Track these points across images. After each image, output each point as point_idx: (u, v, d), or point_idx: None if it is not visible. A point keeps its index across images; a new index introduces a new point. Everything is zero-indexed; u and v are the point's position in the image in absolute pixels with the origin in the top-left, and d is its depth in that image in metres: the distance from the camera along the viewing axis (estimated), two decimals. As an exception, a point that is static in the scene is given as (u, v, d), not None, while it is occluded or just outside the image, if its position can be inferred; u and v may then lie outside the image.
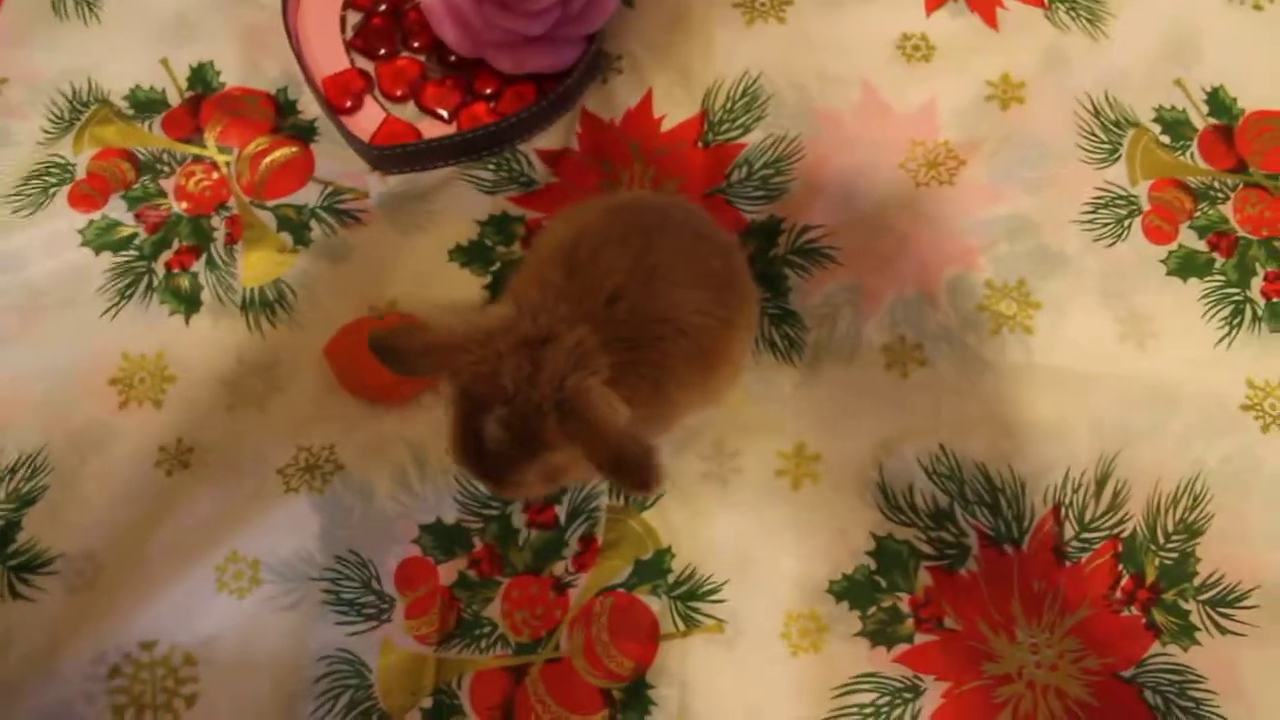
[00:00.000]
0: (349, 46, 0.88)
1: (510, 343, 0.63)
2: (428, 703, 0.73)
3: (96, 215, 0.84)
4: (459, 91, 0.86)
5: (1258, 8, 0.88)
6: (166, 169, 0.85)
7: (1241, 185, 0.82)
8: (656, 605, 0.74)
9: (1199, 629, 0.72)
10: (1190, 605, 0.73)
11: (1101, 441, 0.76)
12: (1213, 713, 0.70)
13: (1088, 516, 0.75)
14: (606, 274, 0.66)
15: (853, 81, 0.85)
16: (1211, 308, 0.79)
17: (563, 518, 0.77)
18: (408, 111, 0.87)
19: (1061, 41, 0.86)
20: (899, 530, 0.75)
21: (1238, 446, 0.75)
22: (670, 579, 0.75)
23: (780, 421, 0.78)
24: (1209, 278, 0.79)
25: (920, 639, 0.73)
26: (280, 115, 0.87)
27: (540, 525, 0.77)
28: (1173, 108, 0.84)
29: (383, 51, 0.87)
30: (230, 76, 0.87)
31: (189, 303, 0.82)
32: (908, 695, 0.72)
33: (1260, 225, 0.81)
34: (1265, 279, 0.80)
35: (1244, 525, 0.74)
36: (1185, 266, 0.80)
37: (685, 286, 0.67)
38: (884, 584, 0.74)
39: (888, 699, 0.72)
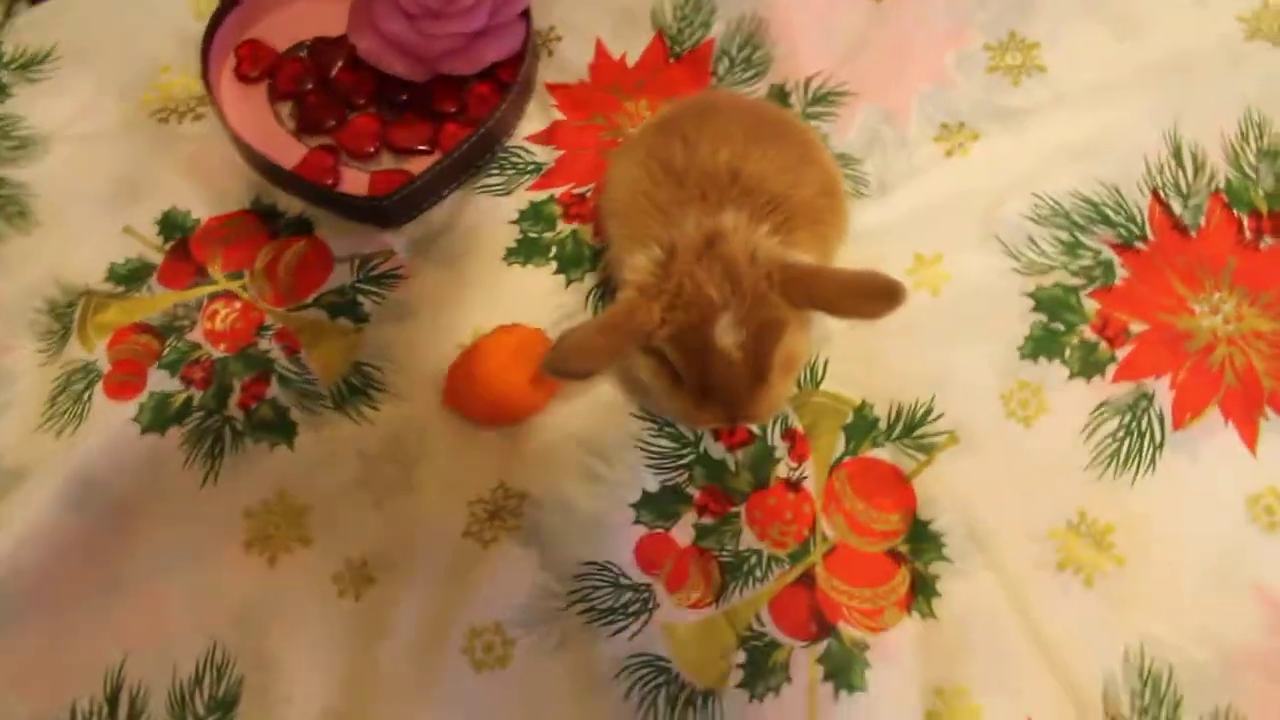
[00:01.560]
0: (296, 135, 0.85)
1: (685, 264, 0.63)
2: (740, 656, 0.70)
3: (143, 396, 0.76)
4: (425, 121, 0.84)
5: None
6: (187, 322, 0.79)
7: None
8: (887, 454, 0.74)
9: (1325, 229, 0.79)
10: (1310, 213, 0.79)
11: (1156, 121, 0.81)
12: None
13: (1184, 186, 0.79)
14: (710, 157, 0.66)
15: (777, -58, 0.88)
16: (1171, -20, 0.86)
17: (754, 428, 0.75)
18: (387, 162, 0.84)
19: None
20: (1044, 279, 0.77)
21: (1263, 68, 0.82)
22: (882, 426, 0.74)
23: (885, 249, 0.79)
24: (1153, -42, 0.87)
25: (1120, 353, 0.75)
26: (267, 222, 0.82)
27: (740, 445, 0.75)
28: None
29: (332, 123, 0.84)
30: (201, 211, 0.82)
31: (283, 429, 0.76)
32: (1143, 403, 0.74)
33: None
34: (1198, -62, 0.88)
35: (1308, 123, 0.81)
36: (1128, -44, 0.87)
37: (774, 138, 0.68)
38: (1062, 327, 0.76)
39: (1129, 415, 0.73)
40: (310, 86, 0.86)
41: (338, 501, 0.74)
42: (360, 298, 0.79)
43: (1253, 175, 0.79)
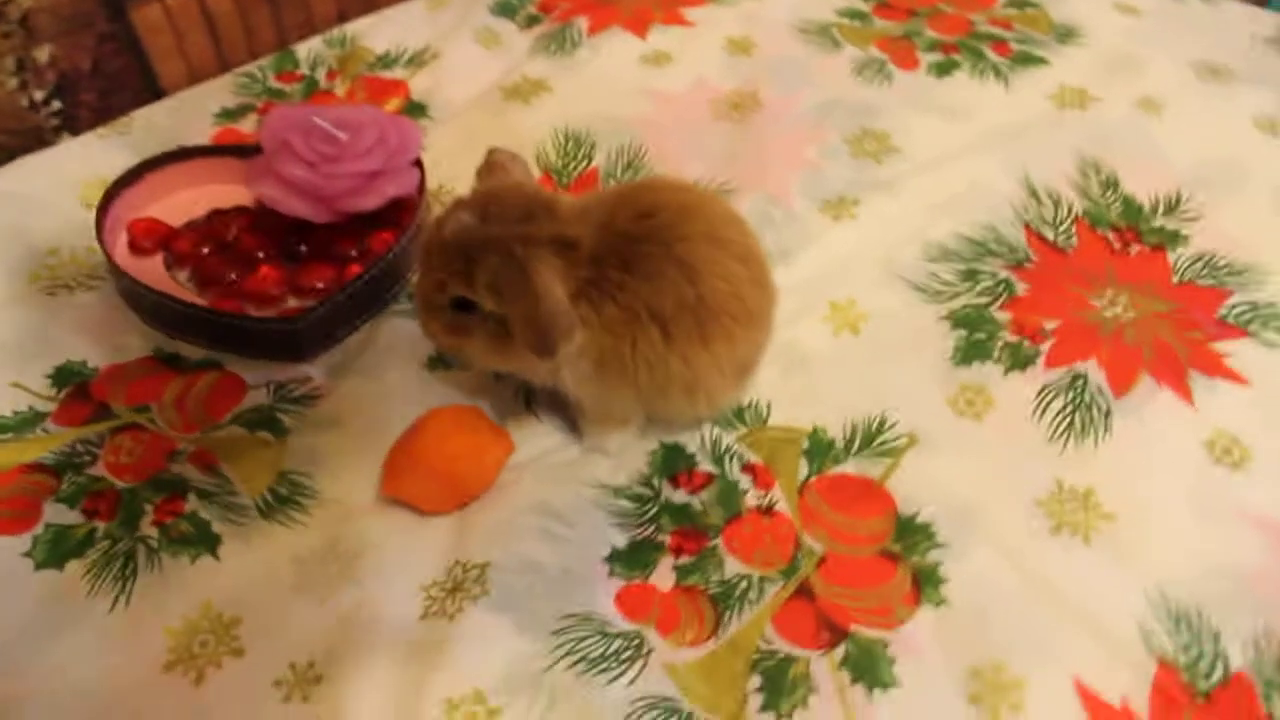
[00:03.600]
0: (198, 292, 0.83)
1: (530, 195, 0.67)
2: (755, 681, 0.62)
3: (38, 529, 0.67)
4: (329, 264, 0.84)
5: None
6: (87, 457, 0.71)
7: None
8: (851, 468, 0.72)
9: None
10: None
11: (1008, 174, 0.90)
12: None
13: (1048, 217, 0.87)
14: (652, 196, 0.69)
15: (635, 94, 0.98)
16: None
17: (712, 467, 0.72)
18: (291, 305, 0.82)
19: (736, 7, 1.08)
20: (953, 304, 0.81)
21: (1081, 127, 0.94)
22: (839, 445, 0.73)
23: (798, 303, 0.80)
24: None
25: (1044, 347, 0.78)
26: (172, 366, 0.78)
27: (701, 485, 0.71)
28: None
29: (233, 276, 0.83)
30: (99, 360, 0.77)
31: (206, 541, 0.68)
32: (1080, 381, 0.76)
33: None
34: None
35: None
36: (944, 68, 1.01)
37: (715, 246, 0.68)
38: (983, 335, 0.79)
39: (1070, 392, 0.76)
40: (208, 250, 0.85)
41: (274, 607, 0.65)
42: (280, 415, 0.75)
43: (1102, 202, 0.88)
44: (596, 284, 0.66)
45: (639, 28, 1.03)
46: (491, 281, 0.64)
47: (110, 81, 0.92)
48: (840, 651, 0.64)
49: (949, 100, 0.97)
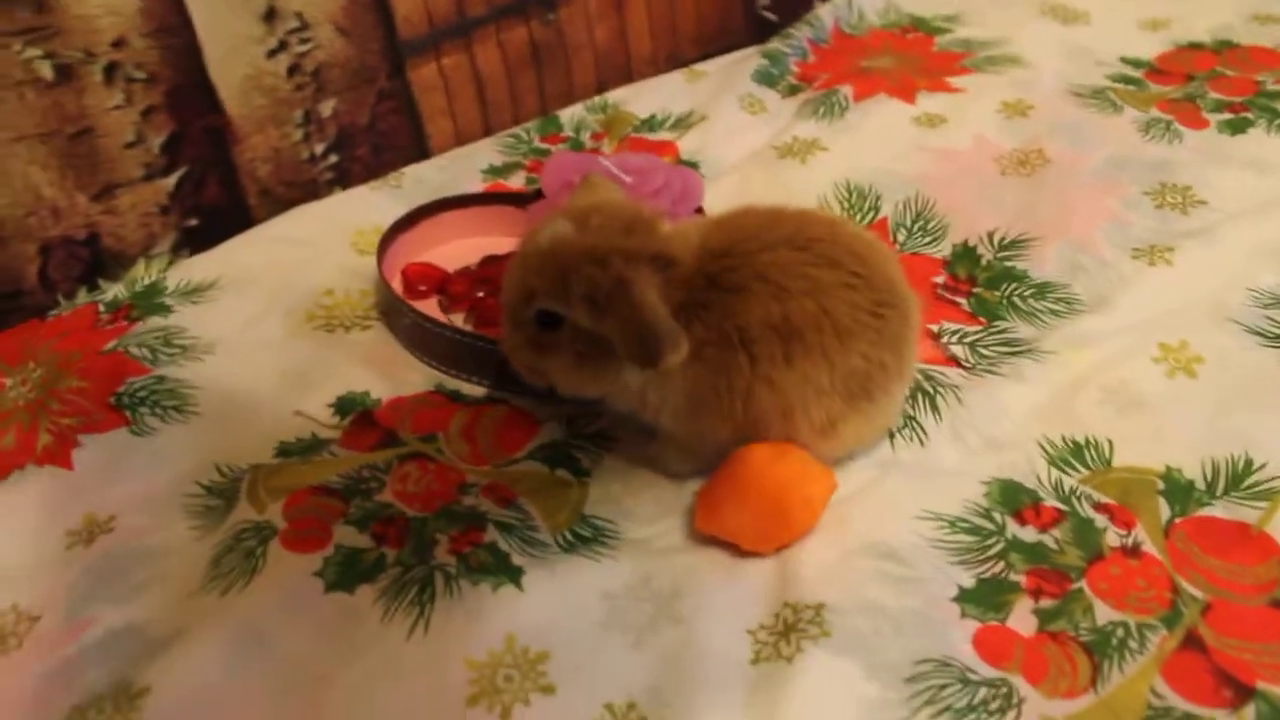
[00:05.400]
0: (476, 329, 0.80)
1: (633, 210, 0.63)
2: None
3: (328, 550, 0.63)
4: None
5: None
6: (374, 483, 0.67)
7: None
8: (1219, 511, 0.64)
9: None
10: None
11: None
12: None
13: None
14: (746, 219, 0.66)
15: (914, 151, 0.94)
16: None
17: (1060, 504, 0.65)
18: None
19: (1019, 67, 1.04)
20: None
21: None
22: (1200, 485, 0.65)
23: (1123, 345, 0.75)
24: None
25: None
26: (456, 400, 0.74)
27: (1052, 522, 0.64)
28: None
29: (511, 317, 0.80)
30: (381, 393, 0.74)
31: (507, 572, 0.62)
32: None
33: None
34: None
35: None
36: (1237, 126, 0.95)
37: (797, 251, 0.63)
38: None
39: None
40: (484, 294, 0.83)
41: (583, 644, 0.59)
42: (577, 453, 0.70)
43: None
44: (689, 307, 0.61)
45: (906, 95, 1.01)
46: (588, 293, 0.60)
47: (383, 138, 0.92)
48: (1250, 712, 0.54)
49: (1250, 155, 0.91)
